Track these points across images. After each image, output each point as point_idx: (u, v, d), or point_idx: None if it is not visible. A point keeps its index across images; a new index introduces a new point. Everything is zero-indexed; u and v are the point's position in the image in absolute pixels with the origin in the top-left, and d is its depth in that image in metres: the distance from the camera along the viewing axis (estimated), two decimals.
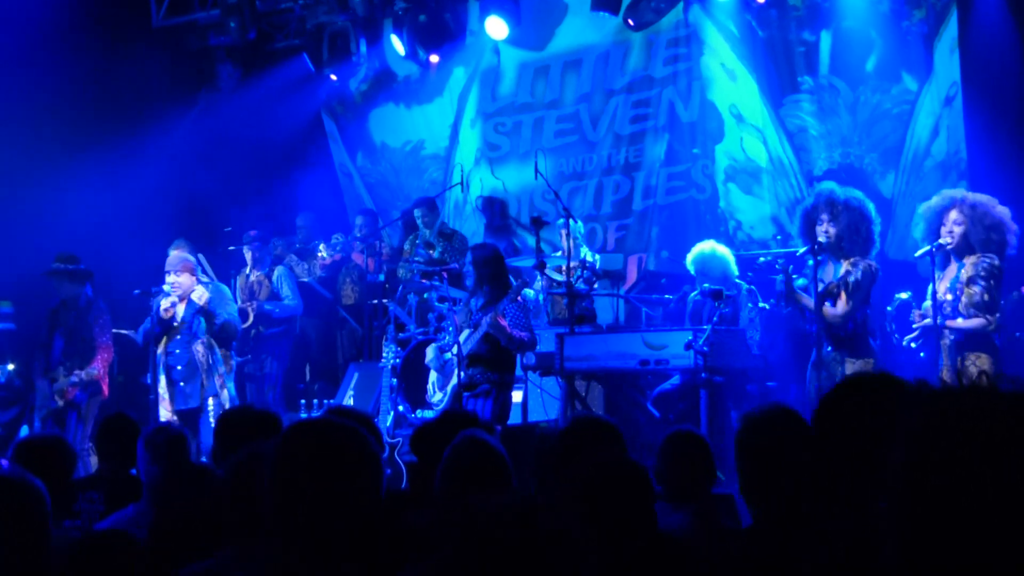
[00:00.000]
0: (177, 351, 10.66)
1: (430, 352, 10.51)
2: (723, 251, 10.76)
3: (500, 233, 14.30)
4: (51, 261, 11.08)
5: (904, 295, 9.24)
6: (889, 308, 9.28)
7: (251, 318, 12.92)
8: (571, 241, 11.65)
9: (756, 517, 3.80)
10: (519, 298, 10.11)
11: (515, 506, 2.69)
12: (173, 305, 10.69)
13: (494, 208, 14.17)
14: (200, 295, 10.57)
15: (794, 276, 9.25)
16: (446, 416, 5.80)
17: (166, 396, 10.61)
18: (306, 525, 2.92)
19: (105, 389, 11.09)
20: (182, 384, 10.60)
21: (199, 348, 10.64)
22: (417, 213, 13.72)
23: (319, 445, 3.00)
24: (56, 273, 11.04)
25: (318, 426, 3.12)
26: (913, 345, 8.90)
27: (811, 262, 9.00)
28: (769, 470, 3.72)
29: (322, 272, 14.35)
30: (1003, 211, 8.69)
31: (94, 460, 10.18)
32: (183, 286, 10.71)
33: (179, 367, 10.63)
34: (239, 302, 12.51)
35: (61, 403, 10.72)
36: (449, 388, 10.09)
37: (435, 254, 13.20)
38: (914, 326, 8.91)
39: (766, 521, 3.74)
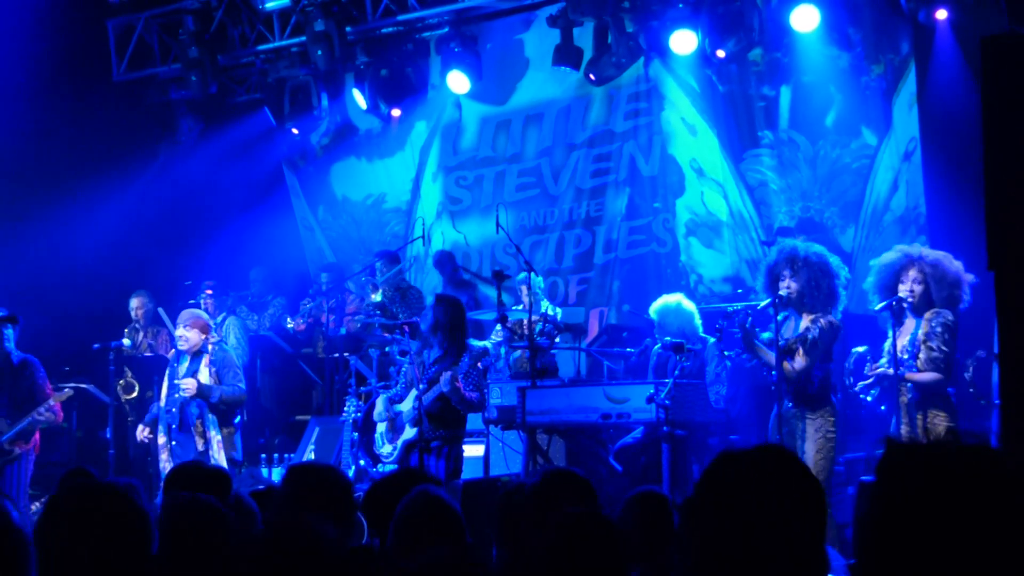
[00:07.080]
0: (173, 409, 10.55)
1: (379, 404, 10.33)
2: (688, 306, 10.76)
3: (459, 288, 14.23)
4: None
5: (861, 348, 9.24)
6: (848, 364, 9.27)
7: None
8: (531, 296, 11.59)
9: None
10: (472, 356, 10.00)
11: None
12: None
13: (444, 267, 14.08)
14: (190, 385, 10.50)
15: (756, 329, 9.25)
16: (398, 475, 5.72)
17: (167, 449, 10.53)
18: None
19: (37, 444, 10.94)
20: (173, 444, 10.51)
21: (194, 409, 10.52)
22: (377, 265, 13.65)
23: (78, 510, 2.98)
24: None
25: (81, 490, 3.10)
26: (870, 398, 8.91)
27: (779, 317, 9.01)
28: None
29: (299, 336, 14.30)
30: (957, 266, 8.74)
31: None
32: (191, 341, 10.61)
33: (173, 426, 10.52)
34: None
35: (18, 451, 10.51)
36: (400, 442, 9.94)
37: (377, 298, 13.10)
38: (867, 372, 8.92)
39: None
